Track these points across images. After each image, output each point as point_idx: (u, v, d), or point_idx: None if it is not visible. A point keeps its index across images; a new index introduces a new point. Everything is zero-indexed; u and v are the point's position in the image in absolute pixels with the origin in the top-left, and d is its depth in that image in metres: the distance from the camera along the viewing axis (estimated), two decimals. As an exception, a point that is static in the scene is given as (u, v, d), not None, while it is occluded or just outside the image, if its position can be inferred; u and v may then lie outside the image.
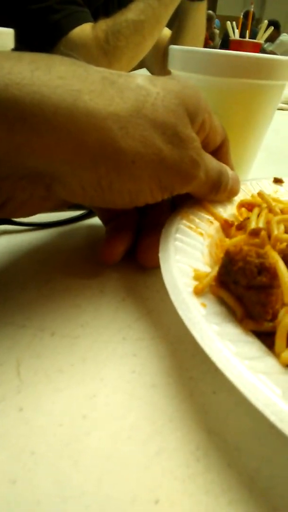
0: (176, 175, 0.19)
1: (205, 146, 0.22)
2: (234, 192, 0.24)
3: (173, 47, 0.28)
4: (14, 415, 0.14)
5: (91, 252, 0.24)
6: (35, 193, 0.18)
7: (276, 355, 0.14)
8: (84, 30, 0.71)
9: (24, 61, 0.15)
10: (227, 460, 0.13)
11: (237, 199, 0.25)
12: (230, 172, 0.24)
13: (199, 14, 0.91)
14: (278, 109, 0.83)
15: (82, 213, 0.28)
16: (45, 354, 0.16)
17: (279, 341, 0.14)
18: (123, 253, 0.22)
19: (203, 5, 0.90)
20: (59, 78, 0.16)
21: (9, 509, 0.11)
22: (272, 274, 0.15)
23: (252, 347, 0.14)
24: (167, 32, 0.97)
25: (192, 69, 0.27)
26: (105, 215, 0.25)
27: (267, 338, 0.15)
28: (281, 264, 0.16)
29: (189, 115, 0.19)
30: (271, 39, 4.15)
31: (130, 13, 0.70)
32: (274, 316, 0.15)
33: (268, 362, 0.13)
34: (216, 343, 0.13)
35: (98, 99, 0.16)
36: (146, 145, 0.17)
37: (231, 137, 0.30)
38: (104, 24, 0.71)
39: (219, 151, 0.24)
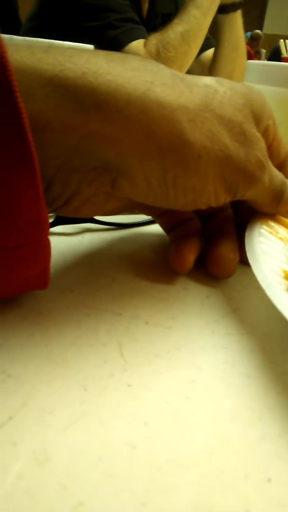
0: (241, 174, 0.19)
1: (269, 157, 0.21)
2: None
3: (250, 62, 0.30)
4: (124, 389, 0.15)
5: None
6: (100, 188, 0.18)
7: None
8: (138, 46, 0.80)
9: (100, 54, 0.16)
10: None
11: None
12: None
13: (235, 26, 0.95)
14: None
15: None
16: (142, 339, 0.17)
17: None
18: (194, 261, 0.22)
19: (237, 16, 0.95)
20: (133, 70, 0.16)
21: (132, 470, 0.12)
22: None
23: None
24: (211, 51, 1.01)
25: (270, 82, 0.28)
26: (168, 222, 0.24)
27: None
28: None
29: (254, 117, 0.19)
30: None
31: (176, 26, 0.79)
32: None
33: None
34: None
35: (169, 91, 0.17)
36: (213, 140, 0.17)
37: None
38: (154, 39, 0.80)
39: (283, 167, 0.23)
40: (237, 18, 0.94)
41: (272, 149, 0.22)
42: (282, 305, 0.16)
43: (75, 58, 0.15)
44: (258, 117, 0.19)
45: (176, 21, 0.81)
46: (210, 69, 1.01)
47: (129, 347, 0.17)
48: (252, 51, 3.55)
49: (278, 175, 0.21)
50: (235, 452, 0.13)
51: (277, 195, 0.22)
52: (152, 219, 0.28)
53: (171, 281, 0.22)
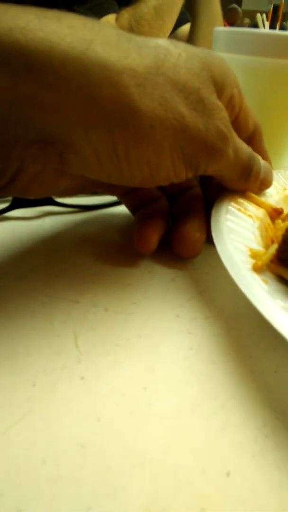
0: (201, 146, 0.17)
1: (236, 130, 0.19)
2: (266, 183, 0.22)
3: (217, 28, 0.28)
4: (77, 382, 0.14)
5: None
6: (48, 164, 0.16)
7: None
8: (109, 21, 0.76)
9: (31, 10, 0.14)
10: (296, 437, 0.12)
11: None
12: (262, 161, 0.21)
13: (210, 1, 0.92)
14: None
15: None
16: (101, 328, 0.16)
17: None
18: (158, 241, 0.20)
19: None
20: (69, 27, 0.14)
21: (79, 472, 0.11)
22: None
23: None
24: (187, 27, 0.98)
25: (238, 50, 0.27)
26: (132, 202, 0.23)
27: None
28: None
29: (214, 84, 0.17)
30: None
31: (150, 0, 0.76)
32: None
33: None
34: (284, 318, 0.13)
35: (112, 50, 0.15)
36: (167, 108, 0.16)
37: (274, 121, 0.29)
38: (126, 13, 0.76)
39: (252, 140, 0.21)
40: None
41: (239, 121, 0.20)
42: (246, 285, 0.15)
43: (0, 12, 0.13)
44: (219, 85, 0.18)
45: None
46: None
47: (85, 337, 0.16)
48: (227, 24, 3.49)
49: (244, 148, 0.20)
50: (193, 445, 0.12)
51: (244, 170, 0.20)
52: (118, 200, 0.26)
53: (135, 264, 0.21)
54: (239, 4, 5.92)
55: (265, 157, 0.22)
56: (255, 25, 1.11)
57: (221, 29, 0.27)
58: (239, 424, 0.13)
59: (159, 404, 0.13)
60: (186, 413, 0.13)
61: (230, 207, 0.21)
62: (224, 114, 0.18)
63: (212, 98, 0.17)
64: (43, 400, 0.13)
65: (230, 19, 3.58)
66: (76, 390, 0.13)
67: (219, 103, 0.17)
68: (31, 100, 0.14)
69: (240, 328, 0.17)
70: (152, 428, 0.12)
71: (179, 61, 0.16)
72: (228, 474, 0.11)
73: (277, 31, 0.25)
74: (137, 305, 0.18)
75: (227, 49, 0.27)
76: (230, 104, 0.19)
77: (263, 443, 0.12)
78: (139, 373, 0.14)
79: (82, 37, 0.14)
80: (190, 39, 0.97)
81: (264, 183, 0.22)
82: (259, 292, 0.14)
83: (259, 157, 0.21)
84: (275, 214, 0.23)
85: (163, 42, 0.17)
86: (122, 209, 0.26)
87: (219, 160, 0.18)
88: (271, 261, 0.17)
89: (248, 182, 0.21)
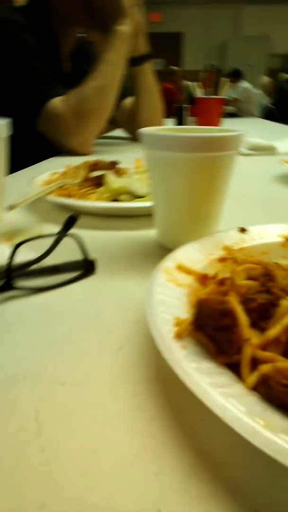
0: None
1: None
2: None
3: (141, 131, 0.34)
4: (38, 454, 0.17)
5: (89, 310, 0.28)
6: None
7: (243, 381, 0.17)
8: (57, 101, 0.88)
9: None
10: (214, 473, 0.16)
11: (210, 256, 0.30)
12: None
13: (146, 76, 1.07)
14: (246, 155, 0.91)
15: (75, 276, 0.32)
16: (60, 401, 0.19)
17: (244, 369, 0.18)
18: None
19: (146, 67, 1.06)
20: None
21: (42, 530, 0.14)
22: (232, 316, 0.19)
23: (224, 377, 0.18)
24: (130, 99, 1.14)
25: (159, 147, 0.33)
26: None
27: (238, 369, 0.19)
28: (238, 308, 0.20)
29: None
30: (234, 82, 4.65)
31: (91, 82, 0.89)
32: (240, 350, 0.19)
33: (236, 388, 0.17)
34: (194, 377, 0.17)
35: None
36: None
37: (200, 202, 0.35)
38: (74, 93, 0.89)
39: None
40: (146, 69, 1.05)
41: None
42: (167, 353, 0.19)
43: None
44: None
45: (91, 77, 0.89)
46: (133, 115, 1.10)
47: (45, 412, 0.19)
48: (173, 87, 3.85)
49: None
50: (132, 492, 0.15)
51: None
52: (69, 280, 0.31)
53: (86, 337, 0.24)
54: (178, 65, 6.58)
55: None
56: (190, 93, 1.25)
57: (143, 131, 0.34)
58: (170, 468, 0.16)
59: (106, 463, 0.16)
60: (127, 466, 0.16)
61: (161, 280, 0.25)
62: None
63: None
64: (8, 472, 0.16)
65: (171, 79, 3.96)
66: (37, 461, 0.16)
67: None
68: None
69: (175, 388, 0.21)
70: (100, 483, 0.15)
71: None
72: (159, 511, 0.14)
73: (182, 134, 0.32)
74: (90, 376, 0.21)
75: (150, 147, 0.33)
76: None
77: (188, 481, 0.16)
78: (89, 439, 0.17)
79: None
80: (136, 110, 1.10)
81: None
82: (177, 358, 0.18)
83: None
84: (202, 278, 0.28)
85: None
86: (75, 287, 0.31)
87: None
88: (191, 325, 0.21)
89: None
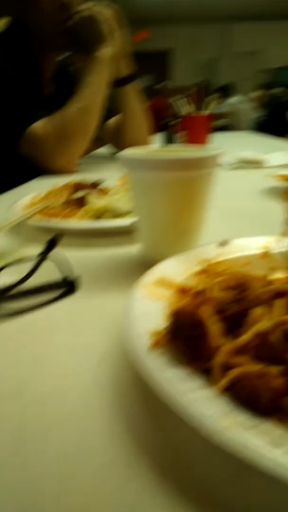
0: None
1: None
2: None
3: (120, 154, 0.36)
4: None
5: (70, 328, 0.29)
6: None
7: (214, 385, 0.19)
8: (41, 124, 0.90)
9: None
10: (184, 473, 0.17)
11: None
12: None
13: (130, 97, 1.09)
14: (234, 169, 0.93)
15: (56, 296, 0.33)
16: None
17: (215, 374, 0.19)
18: None
19: (130, 89, 1.08)
20: None
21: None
22: (202, 326, 0.20)
23: (196, 382, 0.19)
24: (114, 119, 1.16)
25: (138, 168, 0.35)
26: None
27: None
28: (208, 318, 0.21)
29: None
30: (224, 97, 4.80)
31: (74, 104, 0.91)
32: (212, 357, 0.20)
33: (207, 392, 0.18)
34: (164, 385, 0.18)
35: None
36: None
37: (180, 217, 0.37)
38: (57, 115, 0.90)
39: None
40: (130, 90, 1.08)
41: None
42: (142, 364, 0.20)
43: None
44: None
45: (73, 99, 0.91)
46: (119, 131, 1.13)
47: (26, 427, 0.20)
48: (161, 104, 3.92)
49: None
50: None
51: None
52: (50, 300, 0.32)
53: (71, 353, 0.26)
54: (169, 80, 6.75)
55: None
56: (178, 110, 1.28)
57: (121, 154, 0.36)
58: (143, 472, 0.17)
59: (83, 470, 0.17)
60: (104, 471, 0.17)
61: (139, 295, 0.27)
62: None
63: None
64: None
65: (160, 95, 4.06)
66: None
67: None
68: None
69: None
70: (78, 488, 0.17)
71: None
72: None
73: (159, 158, 0.34)
74: (68, 392, 0.23)
75: (129, 168, 0.35)
76: None
77: (160, 483, 0.17)
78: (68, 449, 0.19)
79: None
80: (122, 130, 1.13)
81: None
82: (150, 365, 0.20)
83: None
84: (182, 291, 0.29)
85: None
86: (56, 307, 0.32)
87: None
88: (166, 335, 0.22)
89: None
